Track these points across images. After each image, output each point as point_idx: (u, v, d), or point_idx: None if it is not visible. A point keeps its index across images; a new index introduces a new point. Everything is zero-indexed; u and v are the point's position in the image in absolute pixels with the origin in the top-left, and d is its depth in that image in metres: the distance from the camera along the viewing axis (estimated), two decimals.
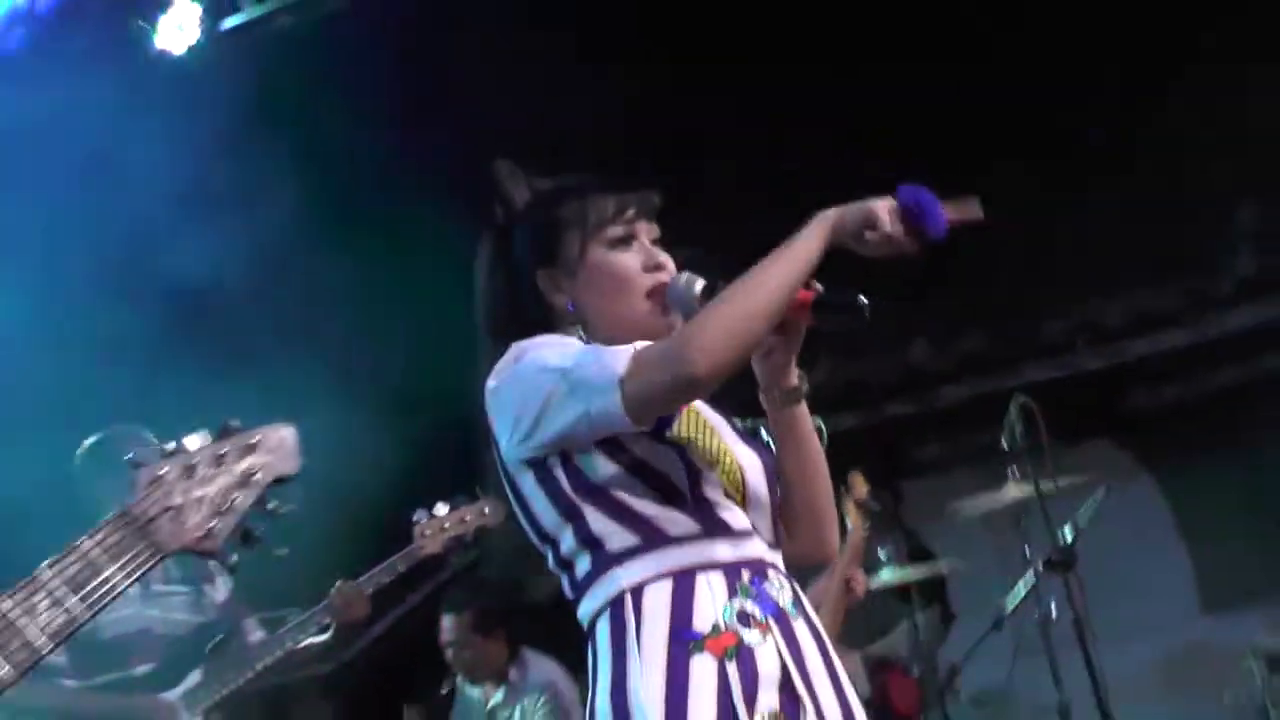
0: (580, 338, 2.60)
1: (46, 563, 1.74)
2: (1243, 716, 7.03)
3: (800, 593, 2.54)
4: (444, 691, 6.62)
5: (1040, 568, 6.11)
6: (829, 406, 5.44)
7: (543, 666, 6.30)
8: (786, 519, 2.66)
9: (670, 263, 2.66)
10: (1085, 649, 6.16)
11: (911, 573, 6.62)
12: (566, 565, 2.52)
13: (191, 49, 7.23)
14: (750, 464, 2.55)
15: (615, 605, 2.44)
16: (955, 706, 7.14)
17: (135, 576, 1.75)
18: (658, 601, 2.41)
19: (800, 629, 2.46)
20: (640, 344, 2.47)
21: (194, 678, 4.87)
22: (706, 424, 2.53)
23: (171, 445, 1.83)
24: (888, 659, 6.94)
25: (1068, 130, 7.55)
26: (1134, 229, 7.69)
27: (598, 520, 2.47)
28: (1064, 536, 6.11)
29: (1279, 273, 7.65)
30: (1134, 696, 6.86)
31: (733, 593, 2.42)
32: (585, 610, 2.49)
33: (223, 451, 1.81)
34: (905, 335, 8.21)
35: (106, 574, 1.73)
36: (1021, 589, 6.34)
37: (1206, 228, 7.82)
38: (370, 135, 7.08)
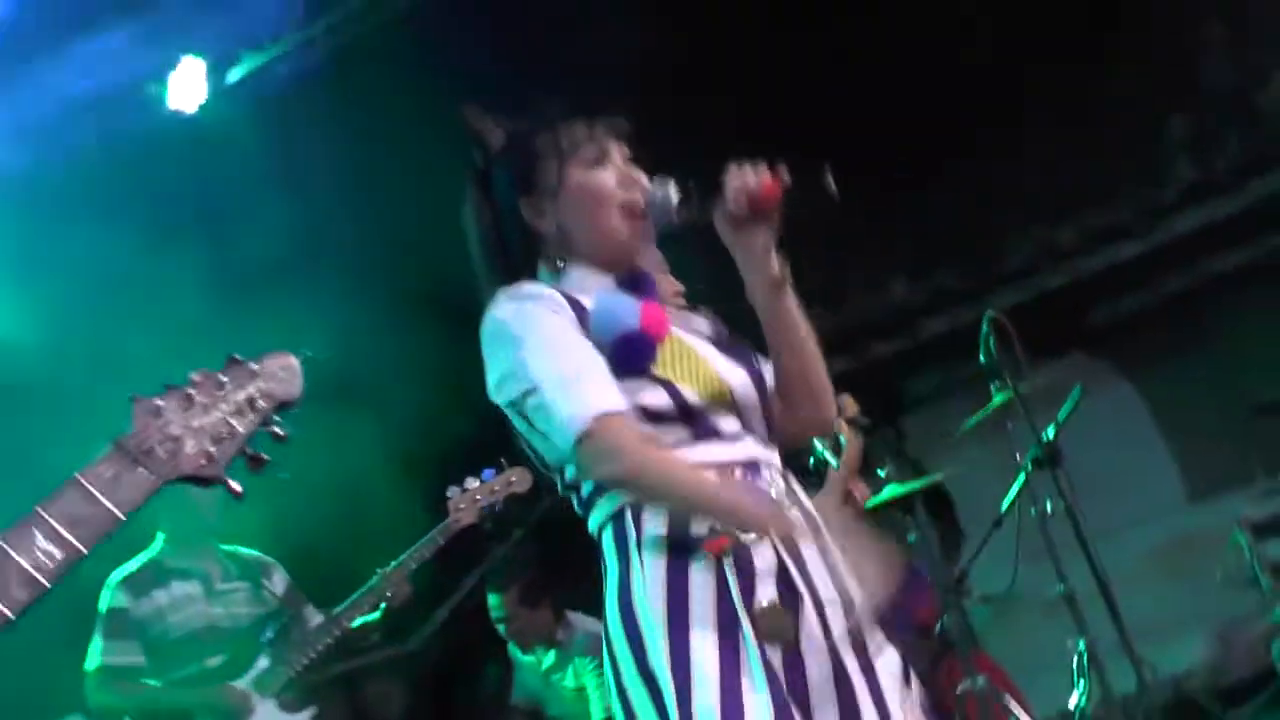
0: (559, 267, 2.67)
1: (42, 501, 1.65)
2: (1236, 589, 7.07)
3: (796, 486, 2.61)
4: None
5: (1029, 466, 6.17)
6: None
7: (588, 626, 6.42)
8: (785, 396, 2.71)
9: (644, 179, 2.70)
10: (1081, 538, 6.28)
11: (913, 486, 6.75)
12: (572, 488, 2.59)
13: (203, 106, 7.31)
14: (732, 374, 2.59)
15: (617, 517, 2.51)
16: (967, 607, 7.04)
17: (135, 507, 1.66)
18: (655, 509, 2.48)
19: (795, 520, 2.52)
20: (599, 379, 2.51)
21: (261, 664, 5.08)
22: (688, 349, 2.59)
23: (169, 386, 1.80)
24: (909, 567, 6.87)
25: (1005, 72, 7.62)
26: (1076, 154, 7.86)
27: None
28: (1047, 435, 6.16)
29: (1216, 175, 7.68)
30: (1133, 585, 6.93)
31: None
32: (592, 524, 2.57)
33: (223, 381, 1.76)
34: (883, 276, 8.26)
35: (105, 506, 1.65)
36: (1014, 488, 6.38)
37: (1143, 143, 7.91)
38: None
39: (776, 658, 2.37)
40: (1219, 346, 7.87)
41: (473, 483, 5.30)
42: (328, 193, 7.00)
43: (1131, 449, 8.13)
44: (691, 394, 2.50)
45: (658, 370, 2.51)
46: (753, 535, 2.41)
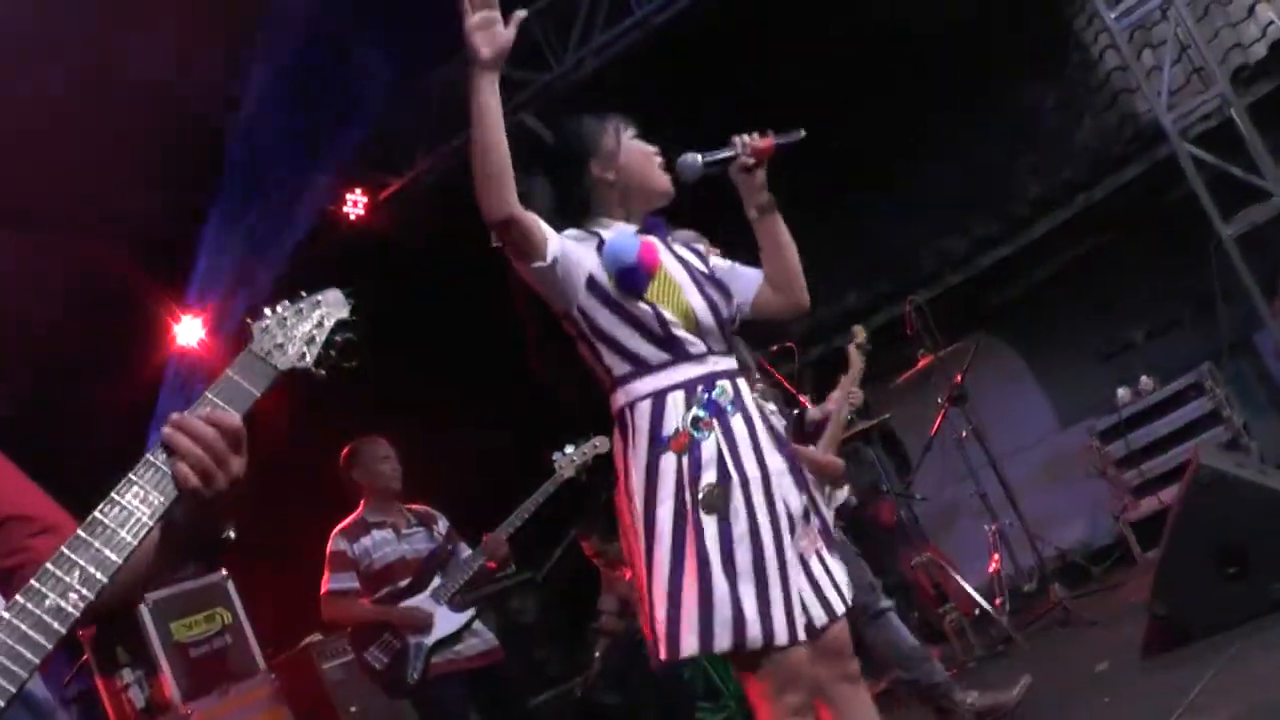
0: (614, 214, 2.68)
1: (207, 388, 1.62)
2: (1095, 484, 7.36)
3: (742, 390, 2.62)
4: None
5: (948, 405, 6.34)
6: (802, 341, 5.69)
7: None
8: (772, 286, 2.79)
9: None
10: (988, 451, 6.51)
11: (871, 422, 6.81)
12: (601, 382, 2.64)
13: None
14: (700, 305, 2.59)
15: (621, 416, 2.58)
16: (914, 508, 7.33)
17: (263, 391, 1.64)
18: (643, 416, 2.53)
19: (736, 421, 2.55)
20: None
21: (436, 581, 5.04)
22: (671, 281, 2.59)
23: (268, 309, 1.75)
24: (874, 484, 7.06)
25: (911, 124, 7.78)
26: (964, 184, 7.95)
27: (608, 355, 2.59)
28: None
29: (1056, 192, 7.62)
30: (1027, 489, 7.15)
31: (689, 405, 2.52)
32: (612, 408, 2.61)
33: (300, 308, 1.73)
34: (840, 288, 8.19)
35: (245, 385, 1.61)
36: (935, 420, 6.53)
37: (1004, 173, 7.91)
38: None
39: (712, 522, 2.46)
40: (1071, 316, 7.88)
41: (570, 448, 5.24)
42: None
43: (1017, 395, 8.19)
44: (669, 314, 2.55)
45: (649, 295, 2.56)
46: (704, 433, 2.49)
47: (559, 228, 2.60)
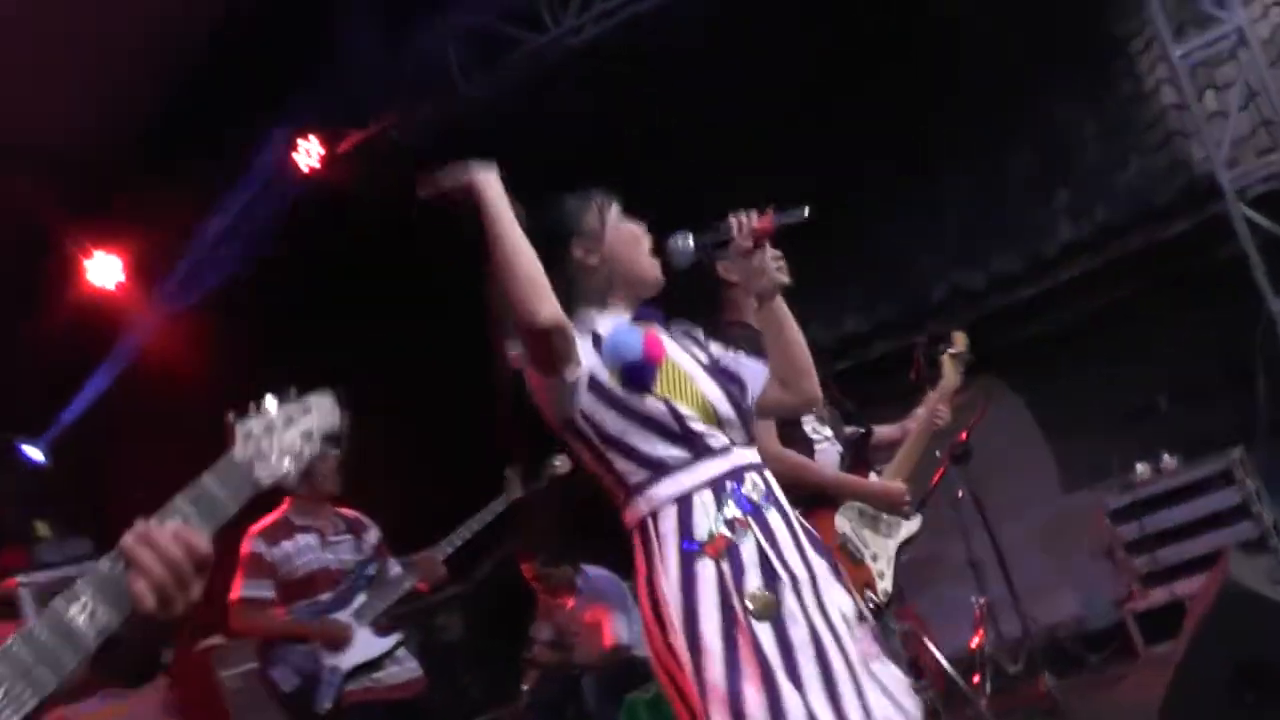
0: (602, 300, 2.65)
1: (179, 493, 1.63)
2: (1098, 562, 7.30)
3: (771, 483, 2.60)
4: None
5: (948, 461, 6.22)
6: None
7: (600, 574, 6.57)
8: (780, 380, 2.76)
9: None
10: (984, 517, 6.51)
11: None
12: (610, 492, 2.61)
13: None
14: (716, 396, 2.58)
15: (642, 527, 2.53)
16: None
17: (240, 503, 1.67)
18: (668, 523, 2.49)
19: (773, 517, 2.54)
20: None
21: (359, 599, 5.03)
22: (681, 373, 2.58)
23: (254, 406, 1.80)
24: None
25: (931, 147, 7.75)
26: (990, 209, 7.90)
27: (620, 462, 2.56)
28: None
29: (1090, 236, 7.60)
30: (1020, 553, 7.09)
31: (720, 504, 2.48)
32: (627, 523, 2.58)
33: (290, 413, 1.77)
34: (837, 311, 8.14)
35: (221, 498, 1.63)
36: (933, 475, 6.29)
37: (1036, 202, 7.87)
38: None
39: (767, 629, 2.41)
40: (1089, 371, 7.85)
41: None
42: None
43: (1021, 449, 8.11)
44: (685, 409, 2.53)
45: (658, 389, 2.54)
46: (741, 532, 2.46)
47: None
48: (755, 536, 2.49)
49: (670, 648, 2.46)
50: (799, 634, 2.43)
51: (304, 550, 5.04)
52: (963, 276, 8.07)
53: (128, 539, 1.53)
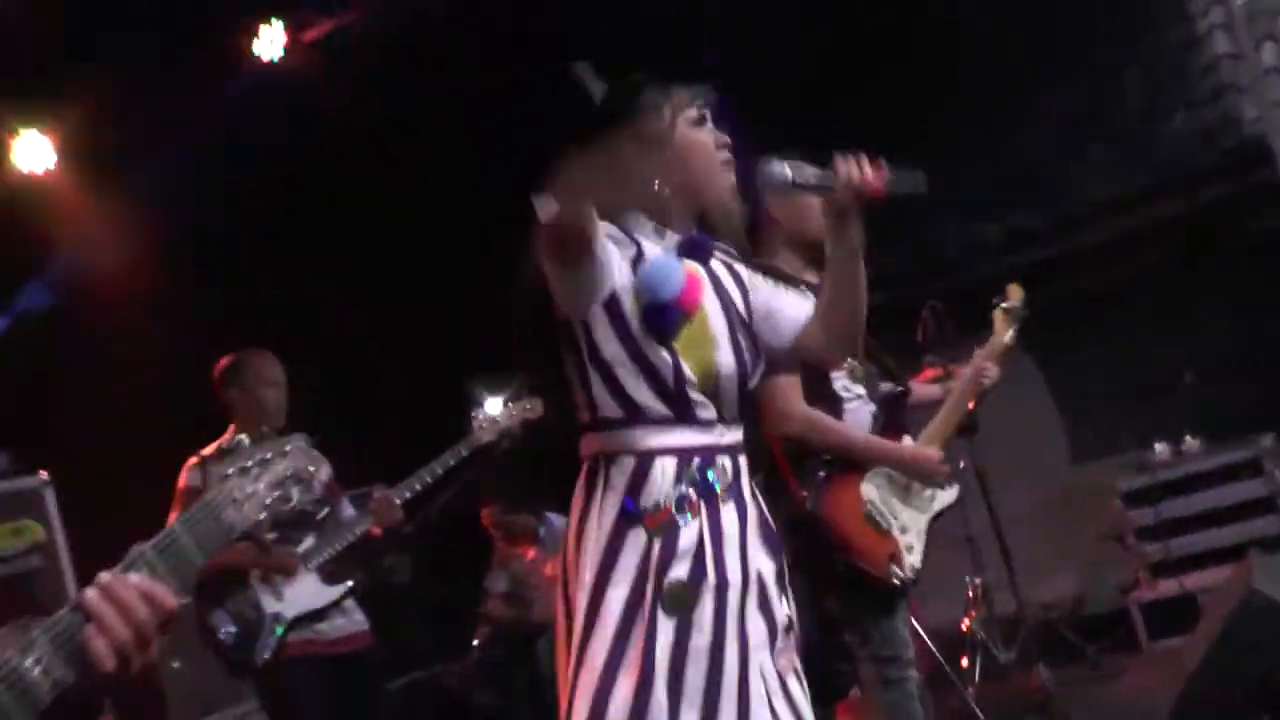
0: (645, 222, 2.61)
1: (145, 543, 1.66)
2: (1107, 547, 7.32)
3: (742, 471, 2.59)
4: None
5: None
6: None
7: (564, 525, 6.57)
8: (826, 328, 2.73)
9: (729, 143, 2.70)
10: (986, 495, 6.48)
11: None
12: (576, 411, 2.59)
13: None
14: (727, 366, 2.55)
15: (593, 464, 2.55)
16: None
17: (210, 554, 1.69)
18: (620, 475, 2.49)
19: (727, 511, 2.52)
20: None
21: (308, 541, 5.03)
22: (705, 332, 2.54)
23: (231, 445, 1.83)
24: None
25: (952, 81, 7.65)
26: (1011, 157, 7.78)
27: (598, 388, 2.52)
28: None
29: (1123, 195, 7.55)
30: (1020, 526, 7.03)
31: (680, 478, 2.47)
32: (582, 450, 2.58)
33: (266, 456, 1.81)
34: None
35: (190, 548, 1.65)
36: None
37: (1065, 153, 7.77)
38: None
39: (668, 626, 2.42)
40: (1110, 337, 7.84)
41: (495, 407, 5.20)
42: None
43: (1029, 415, 8.09)
44: (689, 371, 2.50)
45: (674, 343, 2.50)
46: (688, 516, 2.46)
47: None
48: (700, 525, 2.48)
49: (569, 598, 2.51)
50: (699, 641, 2.44)
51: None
52: (976, 229, 8.00)
53: (90, 594, 1.53)
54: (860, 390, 3.99)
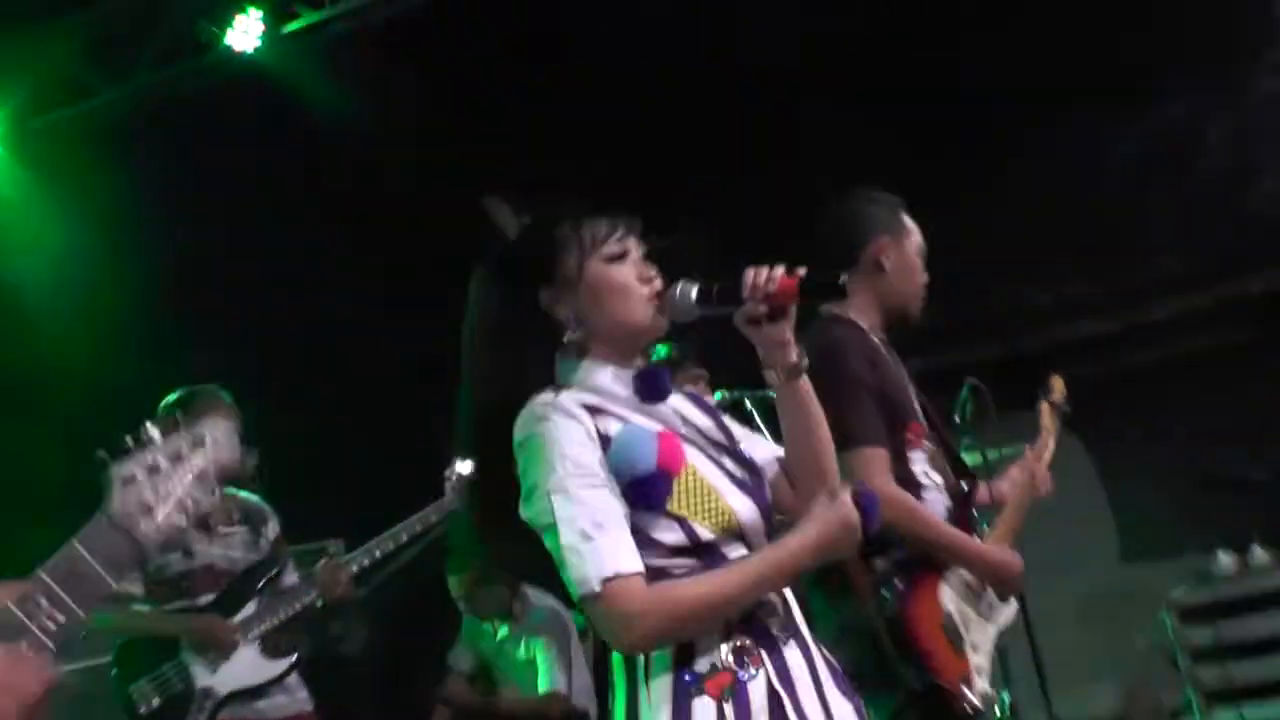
0: (577, 358, 2.59)
1: (42, 565, 1.64)
2: (1152, 661, 7.20)
3: (792, 605, 2.55)
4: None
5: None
6: None
7: (543, 603, 6.44)
8: (791, 475, 2.69)
9: (657, 274, 2.66)
10: (1025, 611, 6.42)
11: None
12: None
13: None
14: (744, 508, 2.52)
15: None
16: None
17: (121, 574, 1.68)
18: None
19: (791, 653, 2.49)
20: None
21: (249, 609, 5.00)
22: (701, 483, 2.50)
23: (132, 441, 1.77)
24: None
25: (1008, 129, 7.60)
26: (1063, 215, 7.70)
27: None
28: None
29: (1198, 269, 7.55)
30: (1055, 627, 6.83)
31: (728, 631, 2.43)
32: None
33: (179, 448, 1.76)
34: None
35: (95, 573, 1.64)
36: None
37: (1129, 212, 7.70)
38: None
39: None
40: (1171, 425, 7.77)
41: (466, 467, 5.19)
42: None
43: (1075, 503, 7.57)
44: (704, 530, 2.46)
45: (672, 507, 2.45)
46: (750, 670, 2.41)
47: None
48: (767, 675, 2.43)
49: None
50: None
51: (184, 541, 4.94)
52: (1022, 293, 8.02)
53: None
54: (939, 479, 3.86)
